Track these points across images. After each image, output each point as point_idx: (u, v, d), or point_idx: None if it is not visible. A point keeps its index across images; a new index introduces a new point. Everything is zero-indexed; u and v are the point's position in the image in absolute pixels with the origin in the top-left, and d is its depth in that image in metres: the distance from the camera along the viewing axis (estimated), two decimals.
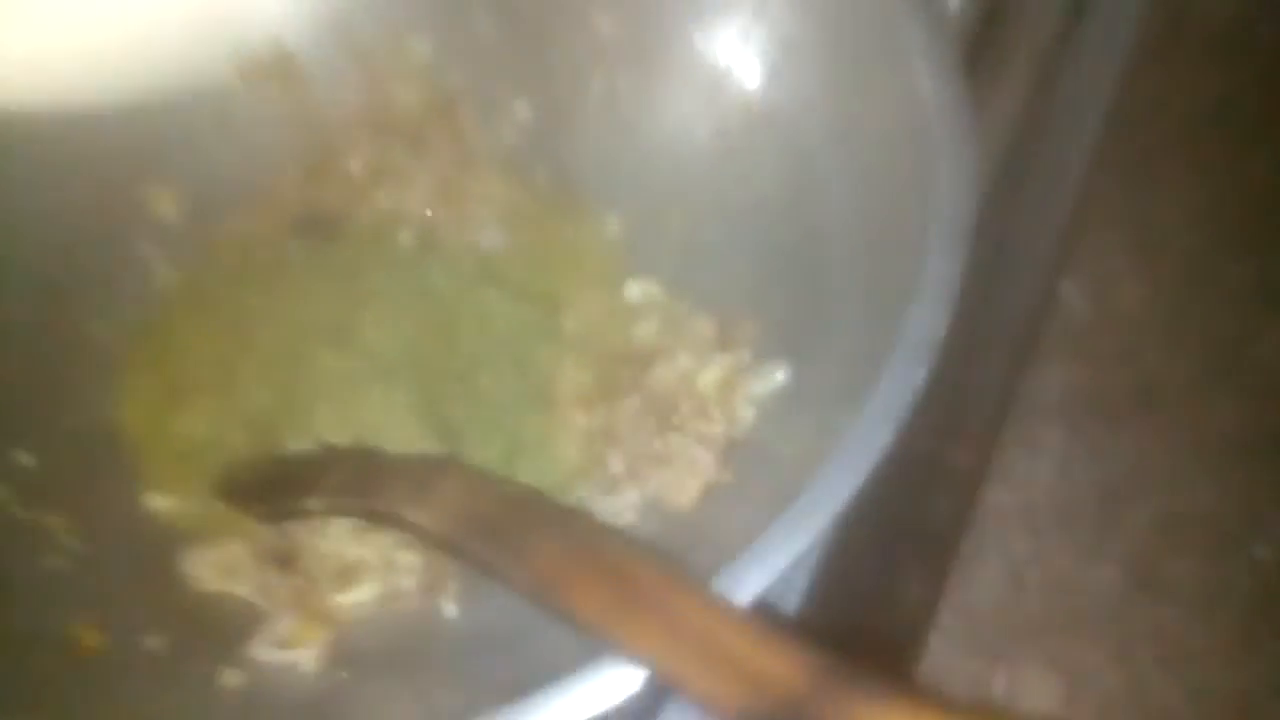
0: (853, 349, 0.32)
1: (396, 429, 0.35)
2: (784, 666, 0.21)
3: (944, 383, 0.26)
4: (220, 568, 0.34)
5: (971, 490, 0.29)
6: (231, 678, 0.31)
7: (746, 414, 0.34)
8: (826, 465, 0.25)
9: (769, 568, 0.23)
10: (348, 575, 0.33)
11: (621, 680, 0.23)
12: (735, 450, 0.33)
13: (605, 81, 0.43)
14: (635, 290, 0.40)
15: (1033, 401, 0.31)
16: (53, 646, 0.30)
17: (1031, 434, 0.31)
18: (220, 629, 0.32)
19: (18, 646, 0.30)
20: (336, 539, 0.34)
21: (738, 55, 0.40)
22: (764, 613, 0.22)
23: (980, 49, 0.45)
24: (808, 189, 0.38)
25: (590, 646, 0.24)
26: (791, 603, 0.31)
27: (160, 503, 0.36)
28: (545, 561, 0.25)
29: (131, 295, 0.41)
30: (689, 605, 0.22)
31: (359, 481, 0.32)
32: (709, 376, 0.35)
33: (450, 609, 0.33)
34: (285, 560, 0.34)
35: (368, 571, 0.34)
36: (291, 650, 0.32)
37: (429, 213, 0.42)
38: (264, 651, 0.32)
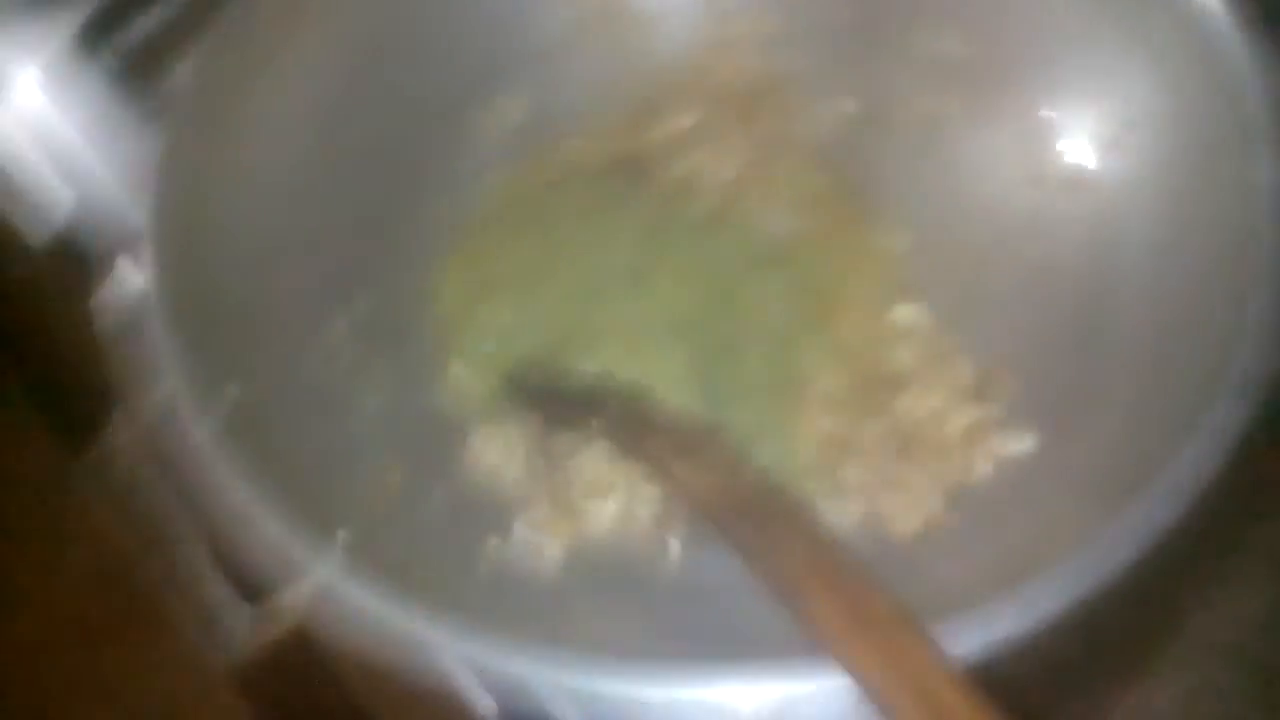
0: (1116, 439, 0.34)
1: (667, 380, 0.40)
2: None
3: None
4: (498, 448, 0.40)
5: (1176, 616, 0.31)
6: (493, 545, 0.37)
7: (985, 468, 0.37)
8: (1083, 548, 0.28)
9: (993, 633, 0.27)
10: (598, 487, 0.39)
11: (834, 686, 0.27)
12: (964, 498, 0.36)
13: (935, 101, 0.45)
14: (905, 313, 0.42)
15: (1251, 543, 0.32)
16: (364, 475, 0.37)
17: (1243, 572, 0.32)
18: (491, 500, 0.38)
19: (342, 466, 0.37)
20: (595, 456, 0.39)
21: (1077, 117, 0.41)
22: (974, 676, 0.26)
23: None
24: (1110, 261, 0.39)
25: (794, 632, 0.28)
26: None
27: (462, 374, 0.42)
28: (793, 561, 0.29)
29: (470, 184, 0.47)
30: (915, 646, 0.26)
31: (633, 420, 0.37)
32: (957, 423, 0.38)
33: (675, 547, 0.38)
34: (552, 458, 0.39)
35: (615, 490, 0.39)
36: (542, 535, 0.38)
37: (735, 188, 0.46)
38: (521, 530, 0.38)
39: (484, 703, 0.28)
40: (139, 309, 0.36)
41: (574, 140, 0.48)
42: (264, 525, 0.30)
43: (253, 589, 0.34)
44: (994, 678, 0.26)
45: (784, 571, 0.29)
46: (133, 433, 0.34)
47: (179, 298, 0.35)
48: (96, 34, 0.58)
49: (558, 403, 0.40)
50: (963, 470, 0.37)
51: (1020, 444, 0.37)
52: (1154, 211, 0.37)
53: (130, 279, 0.61)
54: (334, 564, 0.30)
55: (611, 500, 0.39)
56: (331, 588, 0.30)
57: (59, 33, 0.58)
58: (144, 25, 0.60)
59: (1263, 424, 0.28)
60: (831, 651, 0.27)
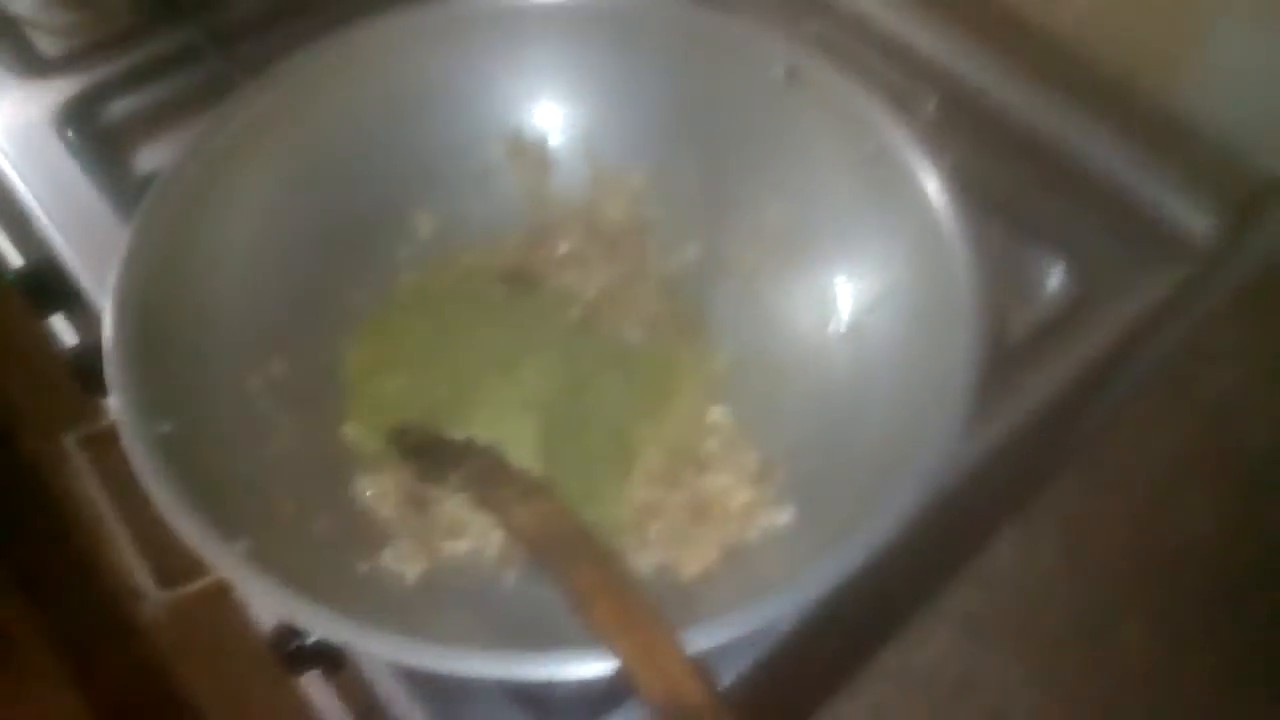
0: (846, 515, 0.45)
1: (521, 447, 0.50)
2: (698, 692, 0.34)
3: None
4: (377, 491, 0.49)
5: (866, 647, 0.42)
6: (362, 567, 0.46)
7: (753, 535, 0.48)
8: (784, 587, 0.38)
9: (714, 637, 0.37)
10: (455, 529, 0.48)
11: (602, 666, 0.37)
12: (734, 555, 0.47)
13: (757, 255, 0.58)
14: (716, 413, 0.54)
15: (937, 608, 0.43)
16: (262, 504, 0.46)
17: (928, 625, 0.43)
18: (366, 534, 0.48)
19: (243, 493, 0.45)
20: (456, 503, 0.49)
21: (853, 284, 0.54)
22: (701, 663, 0.36)
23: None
24: (862, 390, 0.51)
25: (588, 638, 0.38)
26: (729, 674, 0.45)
27: (354, 430, 0.52)
28: (589, 583, 0.39)
29: (381, 280, 0.57)
30: (660, 639, 0.36)
31: (487, 475, 0.47)
32: (740, 498, 0.49)
33: (509, 579, 0.48)
34: (420, 503, 0.49)
35: (468, 533, 0.48)
36: (403, 565, 0.47)
37: (598, 305, 0.57)
38: (388, 557, 0.47)
39: None
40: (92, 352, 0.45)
41: (472, 254, 0.59)
42: (181, 527, 0.39)
43: (166, 577, 0.42)
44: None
45: (579, 588, 0.39)
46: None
47: (129, 349, 0.44)
48: (74, 112, 0.68)
49: (429, 457, 0.49)
50: (738, 533, 0.48)
51: (782, 517, 0.48)
52: (893, 358, 0.50)
53: (71, 329, 0.70)
54: (234, 562, 0.39)
55: (465, 541, 0.49)
56: (230, 578, 0.39)
57: (39, 105, 0.68)
58: (116, 112, 0.71)
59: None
60: (603, 641, 0.37)
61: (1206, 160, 0.63)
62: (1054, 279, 0.62)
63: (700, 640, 0.37)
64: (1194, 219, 0.62)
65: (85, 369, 0.62)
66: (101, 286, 0.47)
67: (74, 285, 0.62)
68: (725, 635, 0.37)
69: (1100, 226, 0.63)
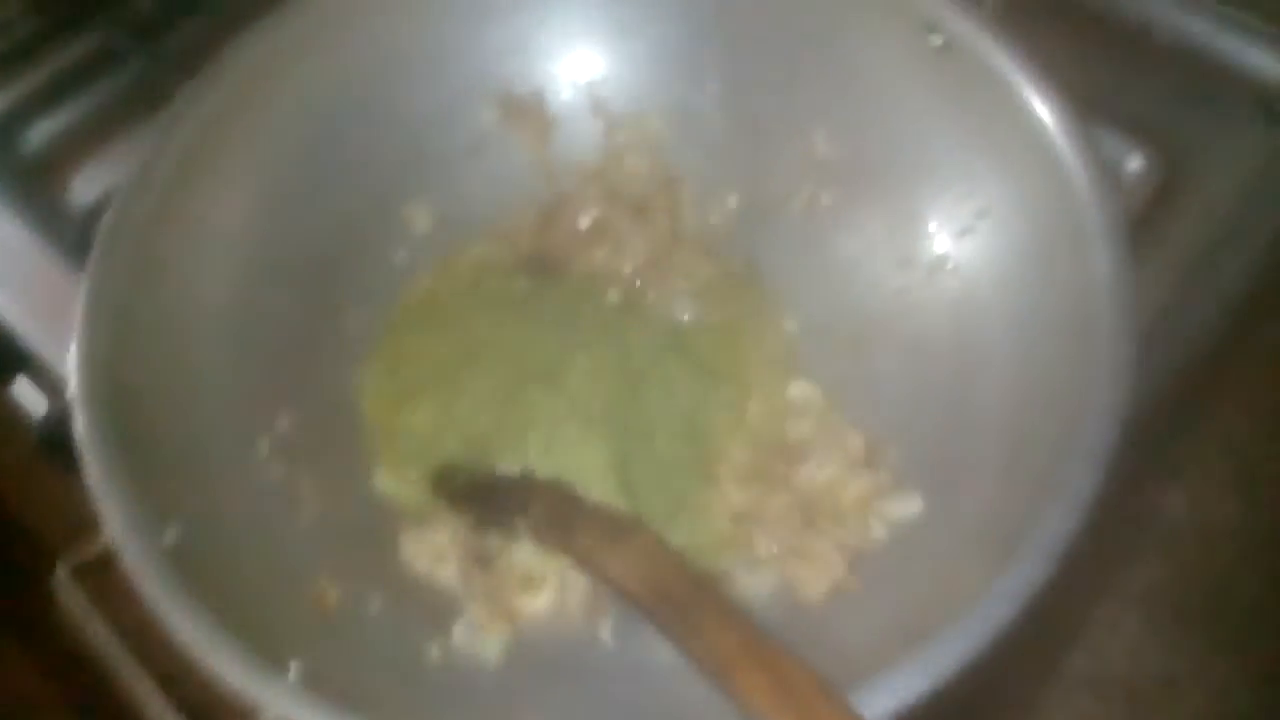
0: (991, 500, 0.38)
1: (587, 472, 0.42)
2: None
3: None
4: (431, 553, 0.42)
5: (1053, 657, 0.35)
6: (433, 651, 0.39)
7: (879, 532, 0.40)
8: (966, 614, 0.31)
9: (899, 697, 0.30)
10: (531, 583, 0.41)
11: None
12: (864, 562, 0.40)
13: (809, 195, 0.49)
14: (798, 390, 0.46)
15: (1118, 588, 0.36)
16: (302, 602, 0.38)
17: (1112, 616, 0.36)
18: (429, 606, 0.40)
19: (279, 595, 0.38)
20: (526, 551, 0.42)
21: (936, 207, 0.46)
22: None
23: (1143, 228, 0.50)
24: (972, 339, 0.43)
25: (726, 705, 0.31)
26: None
27: (386, 484, 0.44)
28: (724, 646, 0.32)
29: (382, 294, 0.49)
30: (833, 714, 0.29)
31: (559, 516, 0.40)
32: (852, 490, 0.42)
33: (606, 634, 0.40)
34: (483, 559, 0.42)
35: (546, 583, 0.41)
36: (481, 634, 0.40)
37: (637, 281, 0.49)
38: (460, 633, 0.40)
39: None
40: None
41: (481, 244, 0.51)
42: (217, 664, 0.32)
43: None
44: None
45: (712, 653, 0.32)
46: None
47: (108, 443, 0.36)
48: None
49: (485, 503, 0.42)
50: (860, 535, 0.40)
51: (909, 506, 0.41)
52: (1006, 294, 0.42)
53: (31, 398, 0.61)
54: (289, 696, 0.32)
55: (544, 594, 0.41)
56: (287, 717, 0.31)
57: None
58: (36, 137, 0.61)
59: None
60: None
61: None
62: (1133, 165, 0.54)
63: (877, 702, 0.30)
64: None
65: (57, 443, 0.54)
66: (59, 343, 0.38)
67: (25, 349, 0.53)
68: (910, 692, 0.30)
69: (1175, 96, 0.55)
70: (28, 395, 0.60)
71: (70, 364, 0.37)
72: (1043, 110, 0.41)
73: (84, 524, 0.35)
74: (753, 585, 0.41)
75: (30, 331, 0.53)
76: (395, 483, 0.44)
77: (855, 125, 0.48)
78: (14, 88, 0.62)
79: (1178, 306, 0.48)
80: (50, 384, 0.56)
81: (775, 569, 0.41)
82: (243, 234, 0.45)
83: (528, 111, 0.52)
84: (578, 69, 0.51)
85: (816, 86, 0.48)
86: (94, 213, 0.44)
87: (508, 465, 0.43)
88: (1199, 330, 0.48)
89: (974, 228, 0.44)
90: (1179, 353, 0.47)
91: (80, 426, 0.36)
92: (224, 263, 0.44)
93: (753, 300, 0.49)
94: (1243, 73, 0.54)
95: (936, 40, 0.44)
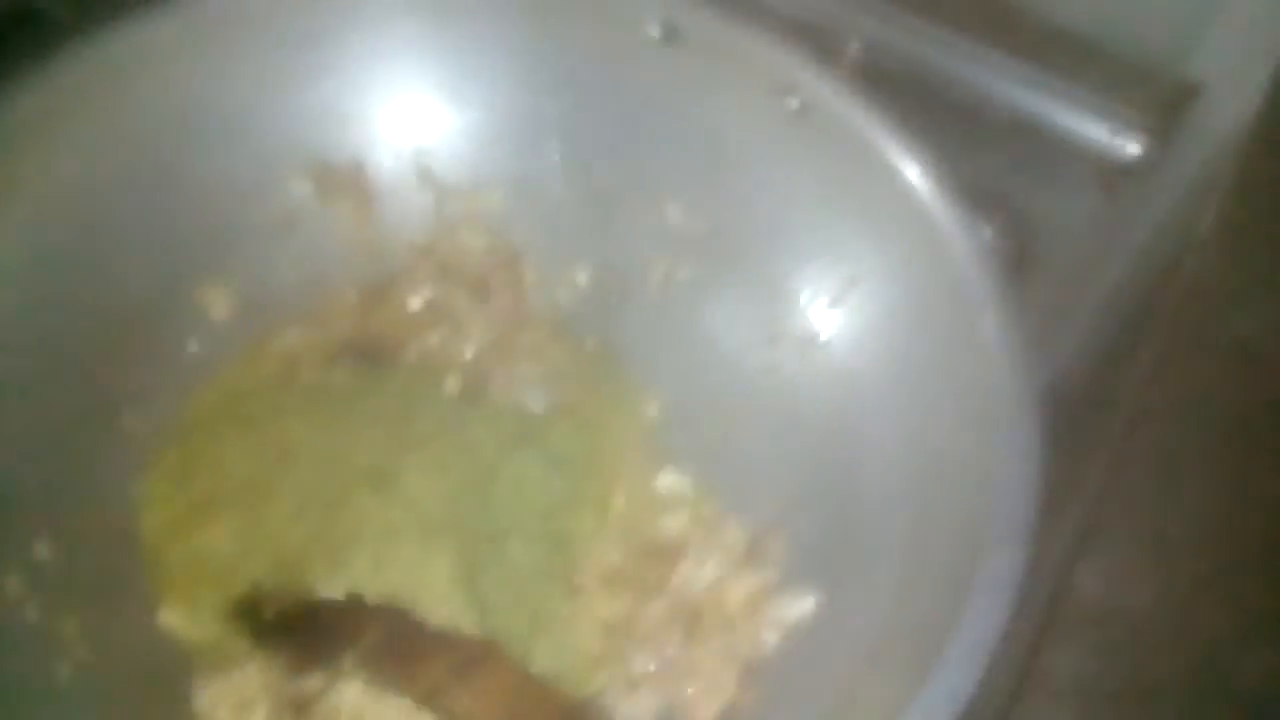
0: (894, 594, 0.34)
1: (429, 589, 0.36)
2: None
3: None
4: (233, 702, 0.34)
5: None
6: None
7: (771, 639, 0.36)
8: None
9: None
10: None
11: None
12: (758, 675, 0.35)
13: (666, 267, 0.46)
14: (667, 480, 0.41)
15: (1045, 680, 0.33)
16: None
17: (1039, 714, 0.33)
18: None
19: None
20: (354, 692, 0.34)
21: (803, 277, 0.43)
22: None
23: None
24: (854, 418, 0.40)
25: None
26: None
27: (175, 620, 0.36)
28: None
29: (170, 391, 0.41)
30: None
31: (395, 646, 0.33)
32: (737, 591, 0.37)
33: None
34: (301, 705, 0.34)
35: None
36: None
37: (479, 367, 0.43)
38: None
39: None
40: None
41: (292, 331, 0.44)
42: None
43: None
44: None
45: None
46: None
47: None
48: None
49: (301, 637, 0.34)
50: (750, 643, 0.36)
51: (800, 606, 0.36)
52: (888, 366, 0.39)
53: None
54: None
55: None
56: None
57: None
58: None
59: None
60: None
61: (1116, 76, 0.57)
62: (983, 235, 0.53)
63: None
64: (1117, 140, 0.55)
65: None
66: None
67: None
68: None
69: (1015, 167, 0.55)
70: None
71: None
72: (908, 169, 0.39)
73: None
74: (632, 711, 0.35)
75: None
76: (186, 618, 0.36)
77: (711, 193, 0.44)
78: None
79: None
80: None
81: (656, 690, 0.35)
82: None
83: (345, 183, 0.46)
84: (402, 135, 0.46)
85: (668, 154, 0.45)
86: None
87: (330, 588, 0.36)
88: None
89: (845, 298, 0.41)
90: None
91: None
92: None
93: (610, 384, 0.44)
94: (1078, 143, 0.55)
95: (793, 103, 0.42)
